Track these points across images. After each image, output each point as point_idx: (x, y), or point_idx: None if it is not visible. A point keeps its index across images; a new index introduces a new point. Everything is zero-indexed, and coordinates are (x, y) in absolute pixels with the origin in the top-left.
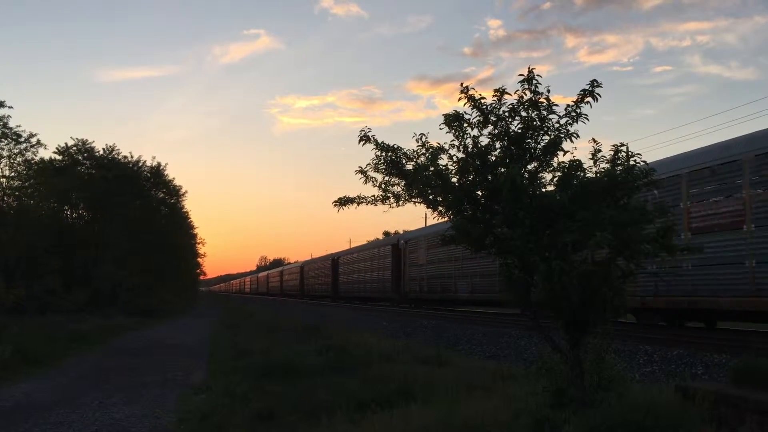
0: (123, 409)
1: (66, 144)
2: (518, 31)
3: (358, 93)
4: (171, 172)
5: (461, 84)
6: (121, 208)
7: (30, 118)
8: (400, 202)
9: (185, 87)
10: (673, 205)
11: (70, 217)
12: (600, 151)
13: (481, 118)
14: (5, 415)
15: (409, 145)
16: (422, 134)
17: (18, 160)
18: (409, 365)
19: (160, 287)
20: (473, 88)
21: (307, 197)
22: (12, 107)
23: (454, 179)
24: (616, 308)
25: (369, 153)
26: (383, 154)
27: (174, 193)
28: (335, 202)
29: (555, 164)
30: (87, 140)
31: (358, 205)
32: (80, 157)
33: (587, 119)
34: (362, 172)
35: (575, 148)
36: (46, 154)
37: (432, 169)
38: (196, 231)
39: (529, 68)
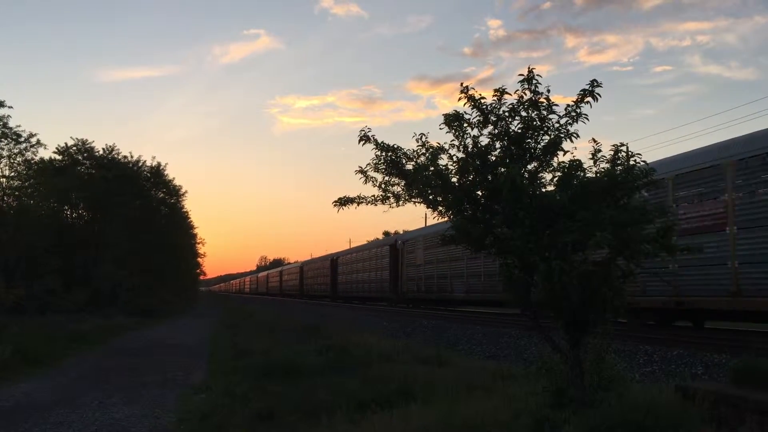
0: (123, 409)
1: (66, 144)
2: (518, 31)
3: (358, 93)
4: (171, 172)
5: (461, 84)
6: (121, 208)
7: (30, 118)
8: (400, 202)
9: (185, 87)
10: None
11: (70, 217)
12: (600, 151)
13: (481, 118)
14: (5, 415)
15: (409, 145)
16: (422, 134)
17: (18, 160)
18: (409, 365)
19: (160, 287)
20: (473, 88)
21: (307, 197)
22: (12, 107)
23: (454, 179)
24: (616, 308)
25: (369, 153)
26: (383, 154)
27: (174, 193)
28: (335, 202)
29: (555, 164)
30: (87, 140)
31: (358, 205)
32: (80, 157)
33: (587, 119)
34: (362, 172)
35: (575, 148)
36: (46, 154)
37: (432, 169)
38: (196, 231)
39: (529, 68)
